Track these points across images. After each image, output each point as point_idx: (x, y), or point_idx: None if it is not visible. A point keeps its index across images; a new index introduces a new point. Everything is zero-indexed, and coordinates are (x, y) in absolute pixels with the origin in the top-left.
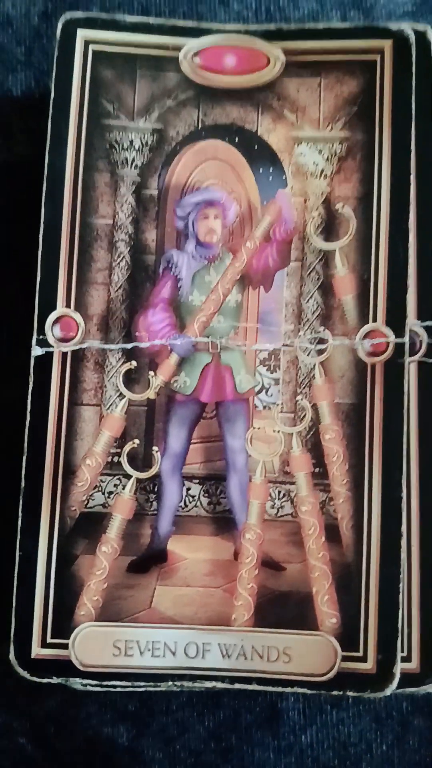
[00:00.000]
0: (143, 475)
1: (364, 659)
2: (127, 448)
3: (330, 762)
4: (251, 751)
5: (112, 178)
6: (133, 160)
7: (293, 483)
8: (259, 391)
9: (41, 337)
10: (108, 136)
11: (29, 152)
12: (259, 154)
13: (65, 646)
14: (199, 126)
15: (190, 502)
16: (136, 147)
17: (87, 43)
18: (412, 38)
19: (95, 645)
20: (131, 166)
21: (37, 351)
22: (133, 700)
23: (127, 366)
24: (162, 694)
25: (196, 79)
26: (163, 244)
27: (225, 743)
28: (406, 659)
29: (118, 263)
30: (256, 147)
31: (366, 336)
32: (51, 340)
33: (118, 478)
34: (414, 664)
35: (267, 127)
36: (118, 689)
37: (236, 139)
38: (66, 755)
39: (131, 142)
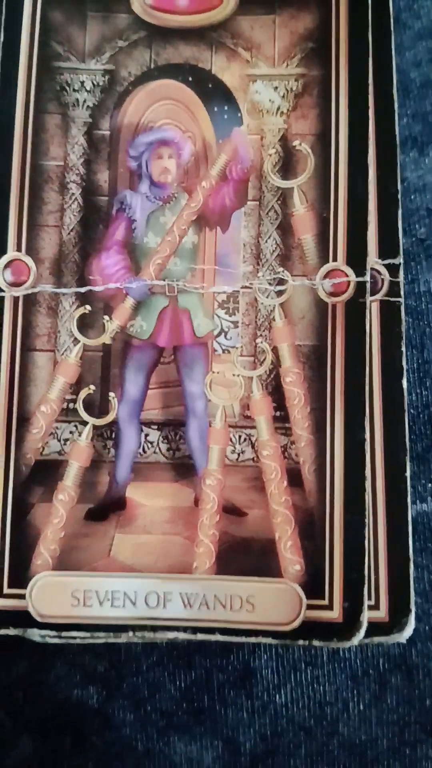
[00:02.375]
0: (100, 422)
1: (329, 607)
2: (83, 394)
3: (306, 722)
4: (224, 712)
5: (63, 120)
6: (85, 101)
7: (254, 427)
8: (218, 335)
9: None
10: (58, 78)
11: None
12: (214, 93)
13: (22, 597)
14: (152, 66)
15: (148, 449)
16: (88, 88)
17: None
18: None
19: (53, 595)
20: (82, 108)
21: None
22: (102, 661)
23: (81, 310)
24: (132, 655)
25: (148, 19)
26: (116, 186)
27: (197, 704)
28: (374, 607)
29: (70, 205)
30: (210, 86)
31: (326, 276)
32: (2, 284)
33: (74, 425)
34: (382, 613)
35: (221, 65)
36: (77, 641)
37: (190, 79)
38: (36, 720)
39: (82, 83)
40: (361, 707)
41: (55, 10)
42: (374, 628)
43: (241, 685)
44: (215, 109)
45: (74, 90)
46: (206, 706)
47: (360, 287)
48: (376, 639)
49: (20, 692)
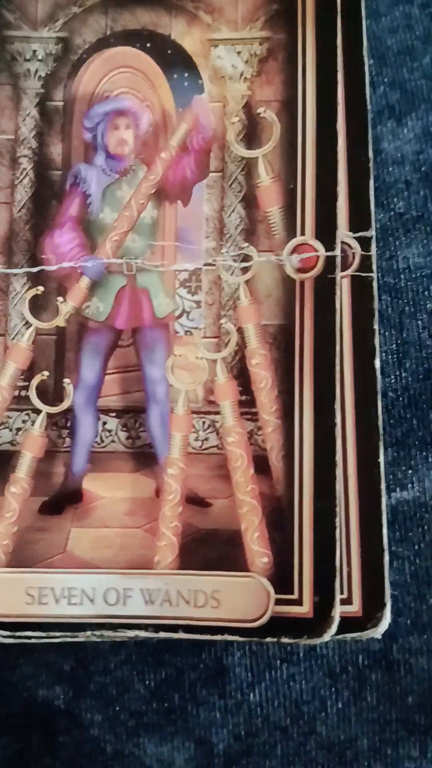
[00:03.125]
0: (54, 410)
1: (299, 602)
2: (36, 380)
3: (281, 721)
4: (196, 711)
5: (13, 91)
6: (37, 71)
7: (218, 413)
8: (180, 315)
9: None
10: (9, 47)
11: None
12: (173, 60)
13: None
14: (108, 33)
15: (106, 437)
16: (40, 57)
17: None
18: None
19: (6, 593)
20: (34, 78)
21: None
22: (69, 659)
23: (33, 291)
24: (99, 653)
25: None
26: (69, 159)
27: (168, 703)
28: (347, 601)
29: (21, 180)
30: (169, 52)
31: (294, 251)
32: None
33: (27, 414)
34: (355, 607)
35: (181, 30)
36: (33, 640)
37: (147, 45)
38: (2, 720)
39: (34, 52)
40: (340, 705)
41: None
42: (347, 624)
43: (214, 683)
44: (175, 76)
45: (26, 60)
46: (177, 706)
47: (330, 262)
48: (350, 635)
49: None
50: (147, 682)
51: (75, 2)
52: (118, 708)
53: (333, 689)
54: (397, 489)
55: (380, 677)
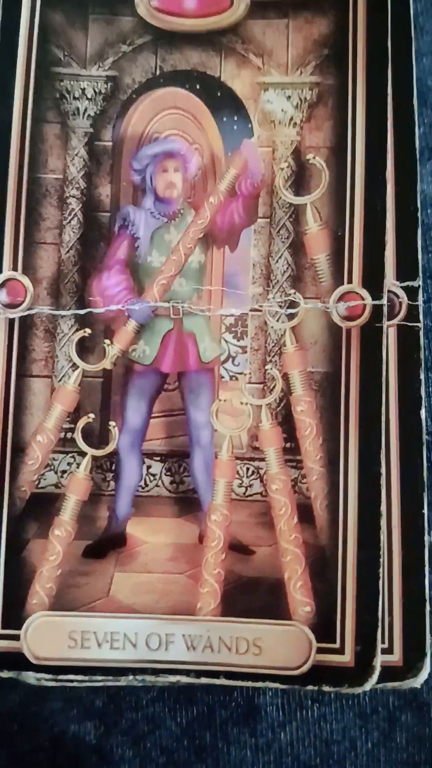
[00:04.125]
0: (99, 453)
1: (341, 651)
2: (82, 423)
3: (311, 761)
4: (227, 749)
5: (62, 130)
6: (86, 110)
7: (262, 459)
8: (225, 360)
9: None
10: (58, 85)
11: None
12: (223, 102)
13: (17, 638)
14: (157, 72)
15: (150, 482)
16: (89, 96)
17: None
18: None
19: (49, 636)
20: (83, 117)
21: None
22: (100, 695)
23: (80, 334)
24: (131, 689)
25: (153, 22)
26: (118, 201)
27: (199, 741)
28: (387, 651)
29: (70, 221)
30: (219, 94)
31: (341, 298)
32: None
33: (72, 456)
34: (396, 657)
35: (231, 72)
36: (75, 684)
37: (197, 86)
38: (29, 754)
39: (83, 90)
40: (370, 746)
41: (55, 12)
42: (387, 672)
43: (245, 722)
44: (224, 119)
45: (74, 98)
46: (208, 743)
47: (376, 311)
48: (390, 684)
49: (14, 725)
50: (178, 720)
51: (125, 41)
52: (148, 745)
53: (363, 730)
54: (430, 532)
55: (410, 718)
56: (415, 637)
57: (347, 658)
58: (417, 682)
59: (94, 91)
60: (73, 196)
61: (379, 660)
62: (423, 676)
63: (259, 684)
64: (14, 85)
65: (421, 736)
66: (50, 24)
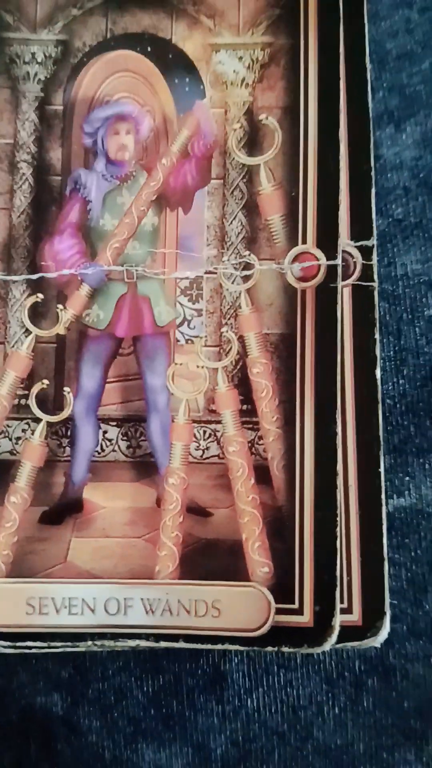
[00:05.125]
0: (54, 419)
1: (300, 612)
2: (36, 389)
3: (279, 727)
4: (194, 717)
5: (12, 94)
6: (36, 74)
7: (219, 422)
8: (181, 324)
9: None
10: (8, 50)
11: None
12: (174, 64)
13: None
14: (108, 36)
15: (107, 447)
16: (39, 60)
17: None
18: None
19: (7, 603)
20: (33, 81)
21: None
22: (66, 667)
23: (32, 299)
24: (97, 659)
25: None
26: (69, 164)
27: (166, 709)
28: (347, 611)
29: (20, 186)
30: (170, 56)
31: (295, 259)
32: None
33: (27, 423)
34: (355, 616)
35: (182, 34)
36: (34, 650)
37: (148, 49)
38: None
39: (33, 55)
40: (337, 711)
41: None
42: (347, 633)
43: (212, 689)
44: (176, 80)
45: (25, 62)
46: (175, 712)
47: (331, 271)
48: (349, 644)
49: None
50: (145, 689)
51: (75, 4)
52: (116, 715)
53: (330, 695)
54: (394, 496)
55: (376, 683)
56: (374, 596)
57: (306, 618)
58: (377, 641)
59: (45, 55)
60: (24, 161)
61: (339, 620)
62: (383, 635)
63: (219, 646)
64: None
65: (387, 700)
66: None
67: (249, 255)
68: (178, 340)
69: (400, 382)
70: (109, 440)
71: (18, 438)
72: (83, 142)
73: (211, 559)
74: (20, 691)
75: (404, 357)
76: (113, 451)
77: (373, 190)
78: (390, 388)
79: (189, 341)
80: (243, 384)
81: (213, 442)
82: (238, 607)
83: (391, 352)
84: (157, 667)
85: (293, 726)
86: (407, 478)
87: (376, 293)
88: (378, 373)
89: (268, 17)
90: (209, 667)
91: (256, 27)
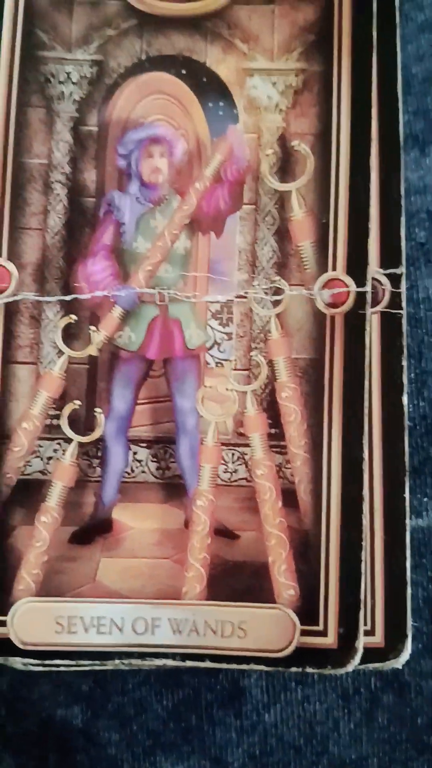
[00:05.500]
0: (85, 439)
1: (324, 633)
2: (68, 409)
3: (296, 741)
4: (213, 731)
5: (47, 114)
6: (71, 94)
7: (247, 445)
8: (211, 347)
9: None
10: (43, 68)
11: None
12: (208, 87)
13: (3, 624)
14: (143, 57)
15: (136, 468)
16: (74, 80)
17: None
18: None
19: (36, 621)
20: (68, 101)
21: None
22: (87, 679)
23: (65, 320)
24: (118, 673)
25: (139, 6)
26: (103, 186)
27: (185, 723)
28: (370, 633)
29: (55, 207)
30: (204, 79)
31: (325, 285)
32: None
33: (58, 443)
34: (378, 638)
35: (216, 57)
36: (62, 668)
37: (183, 71)
38: (18, 738)
39: (68, 74)
40: (352, 726)
41: None
42: (369, 654)
43: (230, 704)
44: (210, 104)
45: (60, 82)
46: (194, 725)
47: (360, 298)
48: (371, 665)
49: (2, 709)
50: (164, 703)
51: (110, 24)
52: (135, 727)
53: (346, 710)
54: (413, 516)
55: (391, 699)
56: (397, 618)
57: (330, 640)
58: (398, 662)
59: (80, 75)
60: (59, 181)
61: (362, 642)
62: (404, 657)
63: (244, 666)
64: None
65: (402, 715)
66: (35, 7)
67: (279, 280)
68: (208, 363)
69: (421, 404)
70: (139, 461)
71: (49, 458)
72: (117, 164)
73: (237, 580)
74: (41, 703)
75: (425, 379)
76: (143, 472)
77: (403, 220)
78: (410, 410)
79: (219, 364)
80: (271, 408)
81: (241, 464)
82: (263, 629)
83: (412, 375)
84: (176, 681)
85: (309, 740)
86: (425, 499)
87: (404, 320)
88: (405, 399)
89: (302, 43)
90: (228, 682)
91: (290, 53)
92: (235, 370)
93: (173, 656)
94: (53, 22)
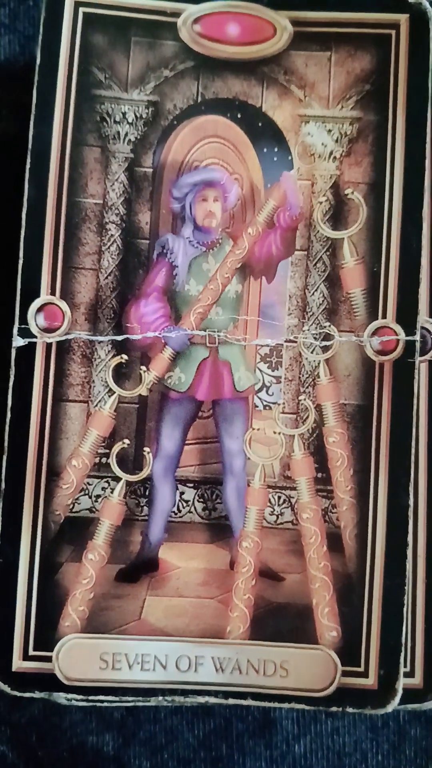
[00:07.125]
0: (134, 478)
1: (365, 674)
2: (117, 448)
3: None
4: (242, 761)
5: (102, 154)
6: (126, 134)
7: (294, 488)
8: (260, 390)
9: (23, 326)
10: (99, 107)
11: (12, 127)
12: (264, 133)
13: (48, 659)
14: (199, 99)
15: (183, 507)
16: (130, 120)
17: (77, 6)
18: (431, 12)
19: (81, 658)
20: (124, 141)
21: (18, 341)
22: (119, 707)
23: (117, 359)
24: None
25: (196, 48)
26: (157, 228)
27: (215, 752)
28: (409, 674)
29: (108, 247)
30: (260, 124)
31: (375, 333)
32: (34, 329)
33: (107, 481)
34: (417, 680)
35: (272, 103)
36: (105, 704)
37: (238, 115)
38: (49, 764)
39: (124, 114)
40: (380, 758)
41: (96, 34)
42: (408, 695)
43: (261, 734)
44: (264, 150)
45: (115, 121)
46: (224, 755)
47: (409, 346)
48: (410, 706)
49: (33, 734)
50: (195, 732)
51: (166, 65)
52: (165, 756)
53: (374, 742)
54: None
55: (419, 732)
56: None
57: (371, 681)
58: None
59: (135, 116)
60: (113, 222)
61: (402, 683)
62: None
63: (285, 705)
64: (54, 108)
65: (429, 748)
66: (92, 45)
67: (329, 326)
68: (256, 406)
69: None
70: (186, 501)
71: (98, 496)
72: (171, 207)
73: (281, 621)
74: (72, 729)
75: None
76: (189, 512)
77: None
78: None
79: (267, 407)
80: (319, 452)
81: (287, 508)
82: (305, 669)
83: None
84: (207, 710)
85: None
86: None
87: None
88: None
89: (358, 92)
90: (259, 712)
91: (346, 101)
92: (283, 413)
93: (216, 694)
94: (110, 60)
